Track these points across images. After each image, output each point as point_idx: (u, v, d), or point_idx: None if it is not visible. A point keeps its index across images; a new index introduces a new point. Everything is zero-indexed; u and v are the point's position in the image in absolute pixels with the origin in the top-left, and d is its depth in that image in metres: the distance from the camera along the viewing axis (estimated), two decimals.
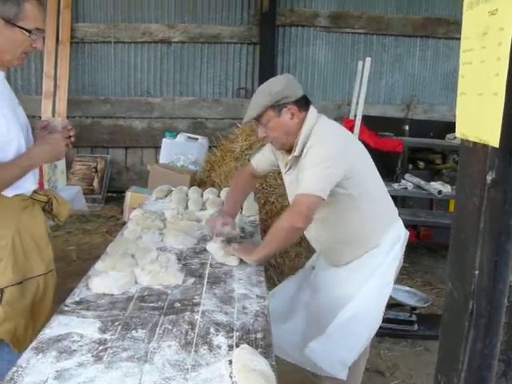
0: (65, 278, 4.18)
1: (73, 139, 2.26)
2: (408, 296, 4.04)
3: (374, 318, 2.51)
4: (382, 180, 2.66)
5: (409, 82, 8.27)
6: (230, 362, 1.51)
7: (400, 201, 5.44)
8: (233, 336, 1.68)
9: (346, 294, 2.50)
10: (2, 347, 2.12)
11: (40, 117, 7.82)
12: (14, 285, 2.08)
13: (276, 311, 2.74)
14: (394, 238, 2.56)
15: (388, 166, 4.96)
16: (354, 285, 2.51)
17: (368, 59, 4.33)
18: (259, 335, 1.69)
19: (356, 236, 2.54)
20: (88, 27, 7.94)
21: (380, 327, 3.81)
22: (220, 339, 1.65)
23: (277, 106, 2.42)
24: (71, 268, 5.08)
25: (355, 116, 4.57)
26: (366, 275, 2.50)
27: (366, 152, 2.59)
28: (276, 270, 4.64)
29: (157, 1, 7.93)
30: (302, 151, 2.44)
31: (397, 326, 3.93)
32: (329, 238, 2.63)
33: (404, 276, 4.97)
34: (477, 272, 1.17)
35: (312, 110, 2.51)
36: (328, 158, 2.32)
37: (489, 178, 1.13)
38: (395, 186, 4.48)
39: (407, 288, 4.17)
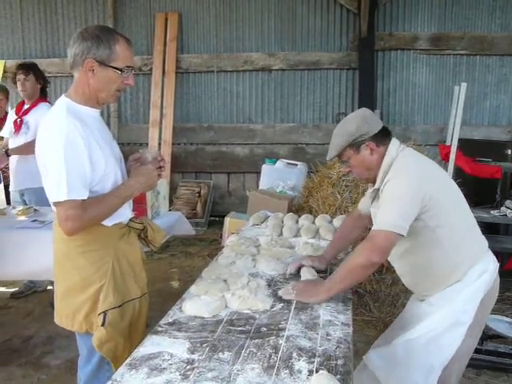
0: (166, 298, 4.39)
1: (163, 169, 2.44)
2: (510, 327, 3.84)
3: (441, 350, 2.41)
4: (470, 213, 2.56)
5: None
6: None
7: (503, 228, 5.26)
8: (314, 361, 1.73)
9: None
10: (102, 365, 2.30)
11: (147, 144, 8.25)
12: (114, 308, 2.26)
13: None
14: (478, 272, 2.44)
15: (487, 193, 4.81)
16: (433, 318, 2.44)
17: (463, 84, 4.25)
18: (340, 362, 1.73)
19: (436, 270, 2.45)
20: (192, 58, 8.32)
21: (478, 359, 3.73)
22: (301, 364, 1.71)
23: (354, 144, 2.45)
24: (173, 289, 5.31)
25: (451, 142, 4.49)
26: (445, 309, 2.42)
27: (450, 183, 2.54)
28: (372, 296, 4.62)
29: (257, 31, 8.20)
30: (382, 183, 2.43)
31: (496, 358, 3.75)
32: (405, 270, 2.61)
33: (507, 306, 4.80)
34: None
35: (393, 144, 2.49)
36: (405, 194, 2.30)
37: None
38: (494, 212, 4.34)
39: (508, 319, 3.96)
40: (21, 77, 4.81)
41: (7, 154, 4.78)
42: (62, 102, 2.23)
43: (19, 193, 4.91)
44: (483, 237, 2.60)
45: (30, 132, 4.74)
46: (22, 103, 4.98)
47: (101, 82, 2.21)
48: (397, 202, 2.30)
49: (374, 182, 2.54)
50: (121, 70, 2.22)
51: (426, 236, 2.39)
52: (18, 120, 4.85)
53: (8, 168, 5.29)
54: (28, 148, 4.52)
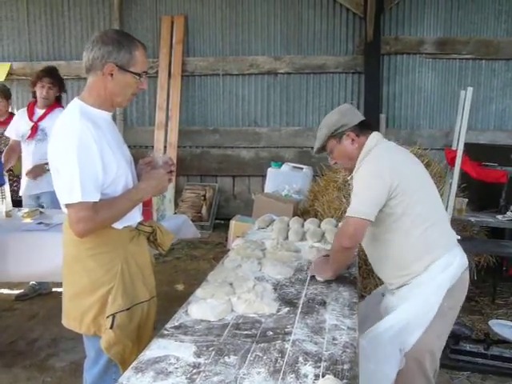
0: (171, 301, 4.38)
1: (174, 173, 2.45)
2: None
3: (402, 343, 2.47)
4: (441, 208, 2.74)
5: None
6: None
7: (508, 233, 5.25)
8: (320, 366, 1.72)
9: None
10: (110, 367, 2.31)
11: (153, 146, 8.26)
12: (123, 310, 2.26)
13: None
14: (443, 266, 2.51)
15: (492, 197, 4.81)
16: (397, 312, 2.52)
17: (470, 89, 4.24)
18: (346, 366, 1.72)
19: (398, 258, 2.57)
20: (198, 61, 8.33)
21: (484, 364, 3.72)
22: (307, 368, 1.70)
23: (336, 135, 2.67)
24: (178, 292, 5.31)
25: (457, 146, 4.48)
26: (409, 302, 2.50)
27: (423, 177, 2.66)
28: None
29: (263, 34, 8.20)
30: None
31: (502, 363, 3.73)
32: (374, 257, 2.75)
33: None
34: None
35: (374, 136, 2.66)
36: (372, 180, 2.48)
37: None
38: (499, 217, 4.32)
39: None
40: (46, 85, 4.80)
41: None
42: (75, 104, 2.24)
43: (34, 196, 4.92)
44: (453, 232, 2.71)
45: (48, 138, 4.74)
46: (33, 105, 4.98)
47: (118, 86, 2.23)
48: (365, 189, 2.48)
49: None
50: (139, 74, 2.25)
51: (391, 223, 2.53)
52: (34, 125, 4.84)
53: (12, 174, 5.30)
54: None
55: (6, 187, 4.33)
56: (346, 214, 2.49)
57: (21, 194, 5.05)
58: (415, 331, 2.46)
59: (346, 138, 2.66)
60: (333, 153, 2.73)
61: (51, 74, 4.88)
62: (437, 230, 2.58)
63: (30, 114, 4.93)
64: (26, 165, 4.90)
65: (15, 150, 5.05)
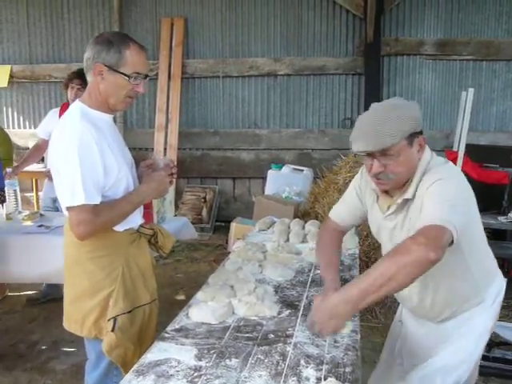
0: (172, 303, 4.39)
1: (175, 176, 2.44)
2: None
3: (458, 377, 2.20)
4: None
5: None
6: None
7: (509, 235, 5.23)
8: (322, 369, 1.71)
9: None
10: (110, 370, 2.30)
11: (153, 148, 8.25)
12: (124, 313, 2.26)
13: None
14: (495, 293, 2.28)
15: (494, 199, 4.80)
16: (452, 348, 2.24)
17: (471, 90, 4.23)
18: (348, 369, 1.72)
19: (460, 292, 2.19)
20: (198, 63, 8.31)
21: (486, 367, 3.70)
22: (309, 371, 1.69)
23: (413, 135, 2.01)
24: (178, 294, 5.30)
25: (458, 147, 4.47)
26: (464, 338, 2.23)
27: (474, 197, 2.16)
28: (378, 302, 4.60)
29: (263, 36, 8.17)
30: (415, 193, 2.05)
31: (504, 365, 3.68)
32: (428, 296, 2.21)
33: None
34: None
35: (426, 148, 2.14)
36: (457, 196, 1.93)
37: None
38: (501, 219, 4.31)
39: None
40: (76, 86, 4.74)
41: None
42: (77, 106, 2.24)
43: (52, 199, 4.95)
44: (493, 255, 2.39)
45: None
46: (66, 106, 4.96)
47: (110, 87, 2.21)
48: (450, 201, 1.87)
49: (386, 192, 2.21)
50: (128, 76, 2.20)
51: (454, 254, 1.95)
52: None
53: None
54: None
55: (17, 189, 4.36)
56: (425, 223, 1.79)
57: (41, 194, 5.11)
58: (470, 367, 2.23)
59: (416, 143, 2.04)
60: (398, 157, 2.00)
61: (81, 76, 4.86)
62: (488, 254, 2.32)
63: (62, 114, 4.92)
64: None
65: (42, 148, 5.10)
